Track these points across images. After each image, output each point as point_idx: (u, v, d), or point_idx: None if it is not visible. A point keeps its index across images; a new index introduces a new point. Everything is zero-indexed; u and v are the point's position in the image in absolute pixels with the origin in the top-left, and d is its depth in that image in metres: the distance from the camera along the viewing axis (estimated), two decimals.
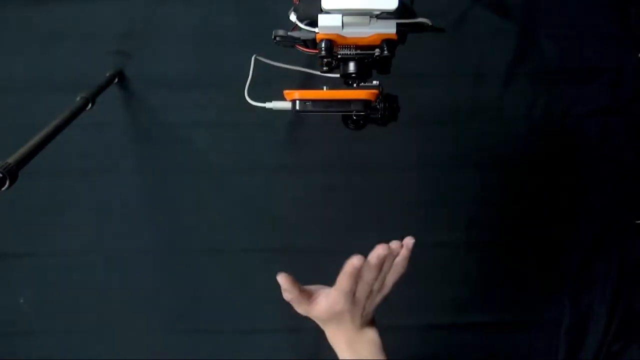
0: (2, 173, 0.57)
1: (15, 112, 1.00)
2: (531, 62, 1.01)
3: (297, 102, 0.57)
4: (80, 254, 1.06)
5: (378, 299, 0.62)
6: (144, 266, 1.07)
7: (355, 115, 0.59)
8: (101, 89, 0.90)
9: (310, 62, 0.98)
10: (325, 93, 0.57)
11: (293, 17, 0.59)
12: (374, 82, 0.58)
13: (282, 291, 0.63)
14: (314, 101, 0.57)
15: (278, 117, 1.01)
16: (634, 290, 1.10)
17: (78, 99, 0.83)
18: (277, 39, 0.60)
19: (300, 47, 0.61)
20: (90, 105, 0.85)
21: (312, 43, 0.59)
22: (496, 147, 1.04)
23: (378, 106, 0.59)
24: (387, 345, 1.16)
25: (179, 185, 1.05)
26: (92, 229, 1.05)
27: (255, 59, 0.64)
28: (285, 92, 0.58)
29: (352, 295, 0.60)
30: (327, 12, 0.54)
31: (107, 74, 0.96)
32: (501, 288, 1.10)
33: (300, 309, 0.64)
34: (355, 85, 0.58)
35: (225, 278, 1.08)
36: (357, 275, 0.59)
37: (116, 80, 0.97)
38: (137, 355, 1.09)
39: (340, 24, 0.55)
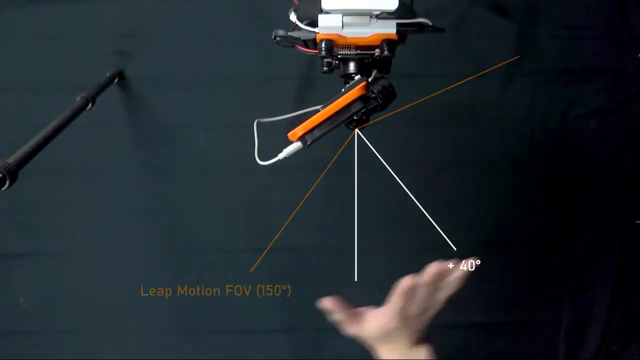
0: (2, 173, 0.57)
1: (15, 112, 1.00)
2: (531, 62, 1.01)
3: (304, 137, 0.58)
4: (80, 254, 1.06)
5: (430, 315, 0.61)
6: (144, 266, 1.07)
7: (356, 115, 0.59)
8: (101, 89, 0.90)
9: (310, 65, 0.99)
10: (323, 113, 0.58)
11: (293, 17, 0.59)
12: (356, 77, 0.58)
13: (330, 314, 0.62)
14: (318, 126, 0.58)
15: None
16: (634, 290, 1.10)
17: (78, 99, 0.83)
18: (277, 39, 0.60)
19: (300, 47, 0.61)
20: (90, 105, 0.85)
21: (312, 43, 0.59)
22: (496, 147, 1.04)
23: (373, 94, 0.58)
24: None
25: (179, 185, 1.05)
26: (92, 229, 1.05)
27: (258, 124, 0.64)
28: (289, 134, 0.59)
29: (405, 313, 0.59)
30: (327, 12, 0.54)
31: (107, 74, 0.96)
32: (501, 288, 1.10)
33: (351, 329, 0.62)
34: (343, 90, 0.58)
35: (224, 278, 1.08)
36: (410, 294, 0.59)
37: (116, 80, 0.97)
38: (137, 355, 1.09)
39: (340, 24, 0.55)
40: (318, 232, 1.06)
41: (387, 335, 0.61)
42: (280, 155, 0.61)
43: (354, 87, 0.57)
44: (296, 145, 0.60)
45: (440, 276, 0.60)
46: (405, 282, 0.59)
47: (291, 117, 0.64)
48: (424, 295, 0.59)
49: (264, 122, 0.63)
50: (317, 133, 0.58)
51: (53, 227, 1.05)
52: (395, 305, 0.59)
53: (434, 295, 0.60)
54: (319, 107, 0.59)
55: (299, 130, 0.58)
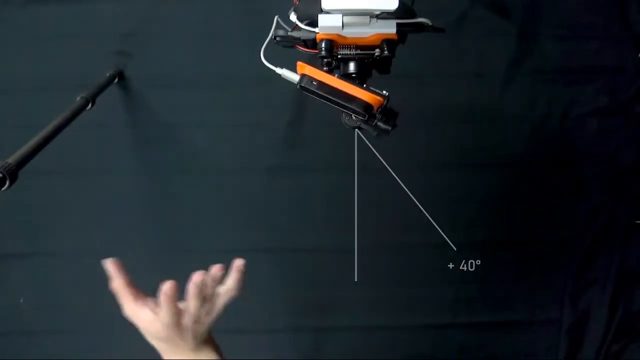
0: (2, 173, 0.57)
1: (15, 112, 1.00)
2: (531, 62, 1.01)
3: (305, 77, 0.57)
4: (80, 254, 1.06)
5: (208, 320, 0.59)
6: (144, 266, 1.07)
7: (354, 116, 0.59)
8: (101, 89, 0.90)
9: (312, 60, 0.99)
10: (333, 79, 0.57)
11: (293, 17, 0.59)
12: (384, 91, 0.58)
13: (111, 279, 0.60)
14: (320, 83, 0.56)
15: (278, 117, 1.02)
16: (634, 290, 1.10)
17: (78, 99, 0.83)
18: (277, 39, 0.60)
19: (300, 47, 0.61)
20: (90, 105, 0.85)
21: (312, 43, 0.59)
22: (496, 147, 1.04)
23: (376, 115, 0.58)
24: (388, 345, 1.17)
25: (179, 185, 1.05)
26: (92, 229, 1.05)
27: (277, 21, 0.62)
28: (299, 63, 0.57)
29: (177, 323, 0.57)
30: (327, 12, 0.54)
31: (107, 74, 0.96)
32: (501, 288, 1.10)
33: (127, 308, 0.60)
34: (365, 85, 0.58)
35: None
36: (175, 306, 0.57)
37: (116, 80, 0.97)
38: (137, 355, 1.09)
39: (341, 24, 0.55)
40: (318, 232, 1.06)
41: (162, 340, 0.59)
42: (279, 70, 0.60)
43: (372, 92, 0.56)
44: (295, 77, 0.58)
45: (211, 283, 0.58)
46: (165, 293, 0.57)
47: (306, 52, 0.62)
48: (193, 306, 0.57)
49: (280, 24, 0.61)
50: (314, 86, 0.56)
51: (53, 227, 1.05)
52: (162, 318, 0.57)
53: (210, 303, 0.59)
54: (336, 74, 0.58)
55: (308, 70, 0.57)
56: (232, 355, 1.14)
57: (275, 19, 0.61)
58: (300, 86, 0.57)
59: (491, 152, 1.04)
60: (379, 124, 0.58)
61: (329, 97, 0.56)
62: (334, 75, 0.57)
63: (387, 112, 0.58)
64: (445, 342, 1.12)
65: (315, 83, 0.57)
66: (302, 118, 1.01)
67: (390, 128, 0.59)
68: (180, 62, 1.00)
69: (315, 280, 1.09)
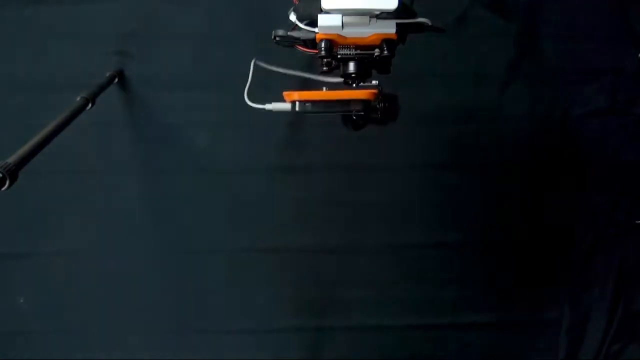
0: (2, 173, 0.57)
1: (15, 112, 1.00)
2: (531, 62, 1.01)
3: (297, 103, 0.57)
4: (80, 253, 1.06)
5: None
6: (144, 266, 1.07)
7: (355, 116, 0.59)
8: (101, 89, 0.90)
9: (310, 63, 0.99)
10: (324, 94, 0.57)
11: (293, 17, 0.59)
12: (374, 82, 0.58)
13: None
14: (313, 102, 0.57)
15: (278, 117, 1.01)
16: (634, 290, 1.10)
17: (78, 99, 0.83)
18: (277, 39, 0.60)
19: (300, 47, 0.61)
20: (90, 105, 0.85)
21: (312, 43, 0.59)
22: (496, 147, 1.04)
23: (378, 106, 0.59)
24: (388, 345, 1.17)
25: (179, 185, 1.05)
26: (92, 229, 1.05)
27: (255, 63, 0.64)
28: (285, 93, 0.58)
29: None
30: (327, 12, 0.54)
31: (107, 74, 0.96)
32: (501, 288, 1.10)
33: None
34: (354, 85, 0.58)
35: (225, 278, 1.08)
36: None
37: (116, 80, 0.97)
38: (138, 355, 1.09)
39: (340, 24, 0.55)
40: (318, 232, 1.06)
41: None
42: (268, 106, 0.61)
43: (365, 89, 0.57)
44: (286, 106, 0.59)
45: None
46: None
47: (288, 73, 0.63)
48: None
49: (260, 65, 0.63)
50: (309, 107, 0.58)
51: (53, 227, 1.05)
52: None
53: None
54: (320, 78, 0.59)
55: (296, 95, 0.58)
56: (233, 355, 1.14)
57: (252, 62, 0.64)
58: (296, 112, 0.58)
59: (491, 152, 1.04)
60: (385, 105, 0.59)
61: (326, 111, 0.57)
62: (321, 89, 0.58)
63: (386, 98, 0.59)
64: (445, 342, 1.12)
65: (308, 104, 0.57)
66: (302, 118, 1.01)
67: (396, 96, 0.59)
68: (180, 62, 1.00)
69: (315, 280, 1.09)
